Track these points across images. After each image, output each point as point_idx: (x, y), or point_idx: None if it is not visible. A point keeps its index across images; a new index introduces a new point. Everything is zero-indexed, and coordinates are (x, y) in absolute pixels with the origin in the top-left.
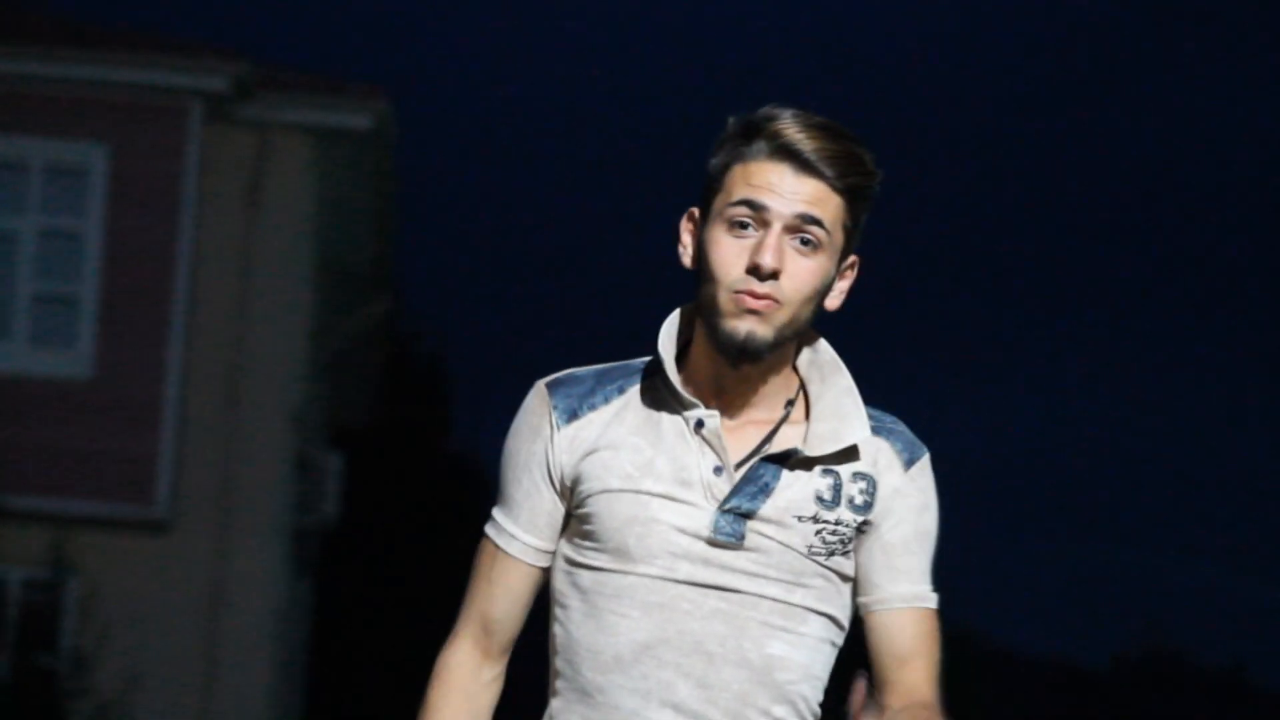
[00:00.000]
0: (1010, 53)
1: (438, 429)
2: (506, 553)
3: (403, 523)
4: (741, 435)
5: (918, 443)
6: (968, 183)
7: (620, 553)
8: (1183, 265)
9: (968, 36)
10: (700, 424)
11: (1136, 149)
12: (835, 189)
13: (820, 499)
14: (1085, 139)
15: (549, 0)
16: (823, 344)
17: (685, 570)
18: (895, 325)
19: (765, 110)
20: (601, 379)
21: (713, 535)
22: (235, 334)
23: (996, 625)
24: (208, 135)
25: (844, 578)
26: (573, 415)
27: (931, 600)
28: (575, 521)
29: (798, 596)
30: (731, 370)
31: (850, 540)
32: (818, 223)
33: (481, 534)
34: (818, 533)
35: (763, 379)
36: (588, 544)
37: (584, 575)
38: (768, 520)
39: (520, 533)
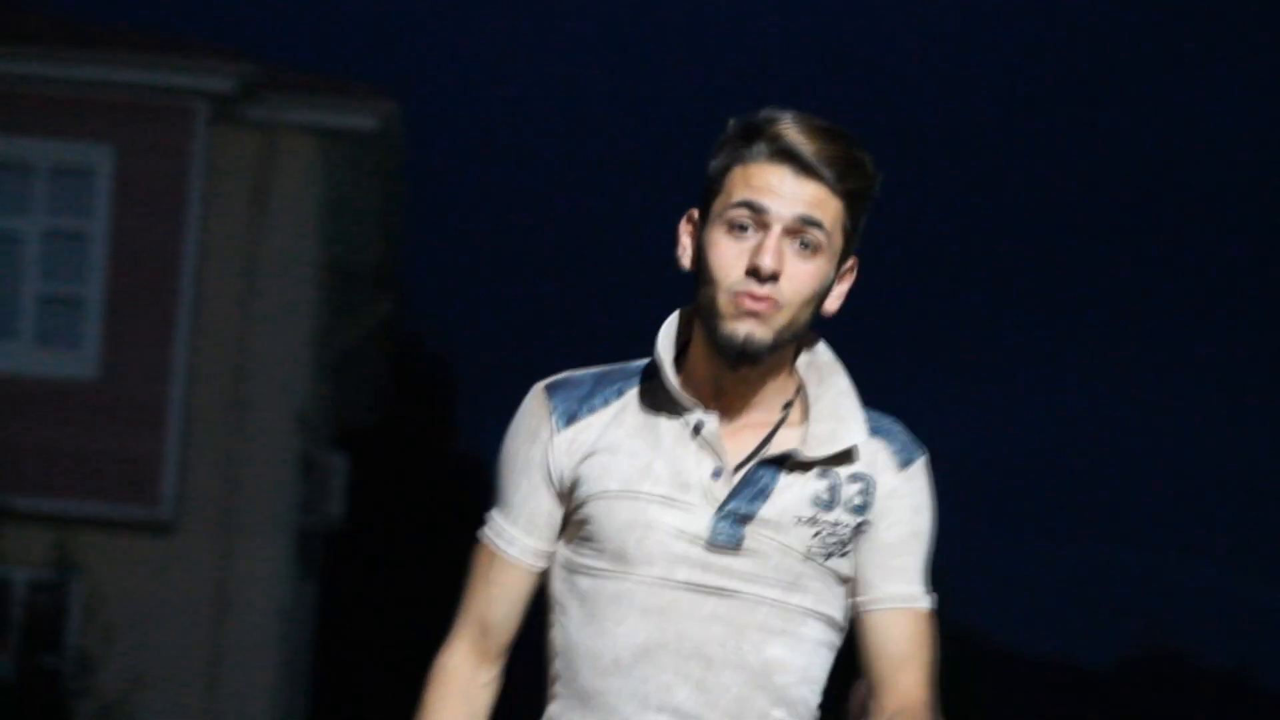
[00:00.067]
0: (1009, 53)
1: (442, 429)
2: (505, 555)
3: (407, 523)
4: (740, 437)
5: (915, 444)
6: (969, 183)
7: (619, 556)
8: (1183, 265)
9: (967, 37)
10: (699, 427)
11: (1137, 149)
12: (835, 192)
13: (818, 501)
14: (1085, 139)
15: (553, 2)
16: (821, 345)
17: (684, 574)
18: (897, 325)
19: (766, 112)
20: (600, 381)
21: (711, 539)
22: (240, 334)
23: (998, 626)
24: (213, 136)
25: (842, 580)
26: (571, 418)
27: (926, 602)
28: (573, 525)
29: (796, 599)
30: (730, 372)
31: (848, 542)
32: (817, 225)
33: (477, 536)
34: (816, 535)
35: (761, 381)
36: (586, 548)
37: (582, 579)
38: (766, 523)
39: (520, 535)
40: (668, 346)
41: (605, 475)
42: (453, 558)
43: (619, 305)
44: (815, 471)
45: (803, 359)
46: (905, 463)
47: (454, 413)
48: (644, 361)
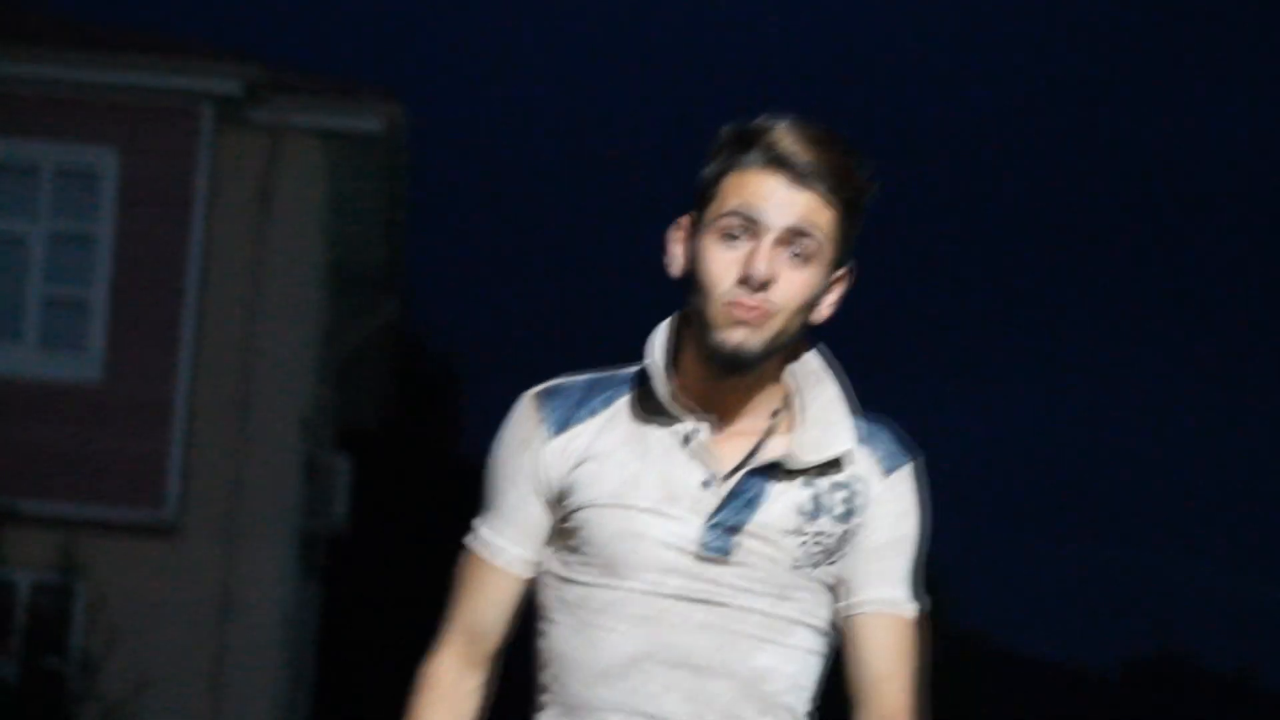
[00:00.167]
0: (1009, 54)
1: (446, 431)
2: (494, 563)
3: (410, 525)
4: (730, 446)
5: (903, 450)
6: (971, 184)
7: (608, 567)
8: (1184, 266)
9: (967, 39)
10: (689, 436)
11: (1136, 150)
12: (829, 200)
13: (807, 510)
14: (1084, 140)
15: (558, 5)
16: (813, 352)
17: (673, 584)
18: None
19: (760, 120)
20: (591, 389)
21: (700, 549)
22: (244, 337)
23: (1000, 627)
24: (218, 139)
25: (830, 588)
26: (562, 427)
27: (908, 608)
28: (563, 534)
29: (785, 608)
30: (721, 380)
31: (838, 549)
32: (811, 234)
33: (464, 543)
34: (804, 544)
35: (752, 389)
36: (575, 557)
37: (571, 589)
38: (755, 533)
39: (510, 544)
40: (660, 355)
41: (595, 484)
42: (455, 560)
43: (622, 308)
44: (805, 479)
45: (794, 366)
46: (893, 468)
47: (457, 415)
48: (634, 369)
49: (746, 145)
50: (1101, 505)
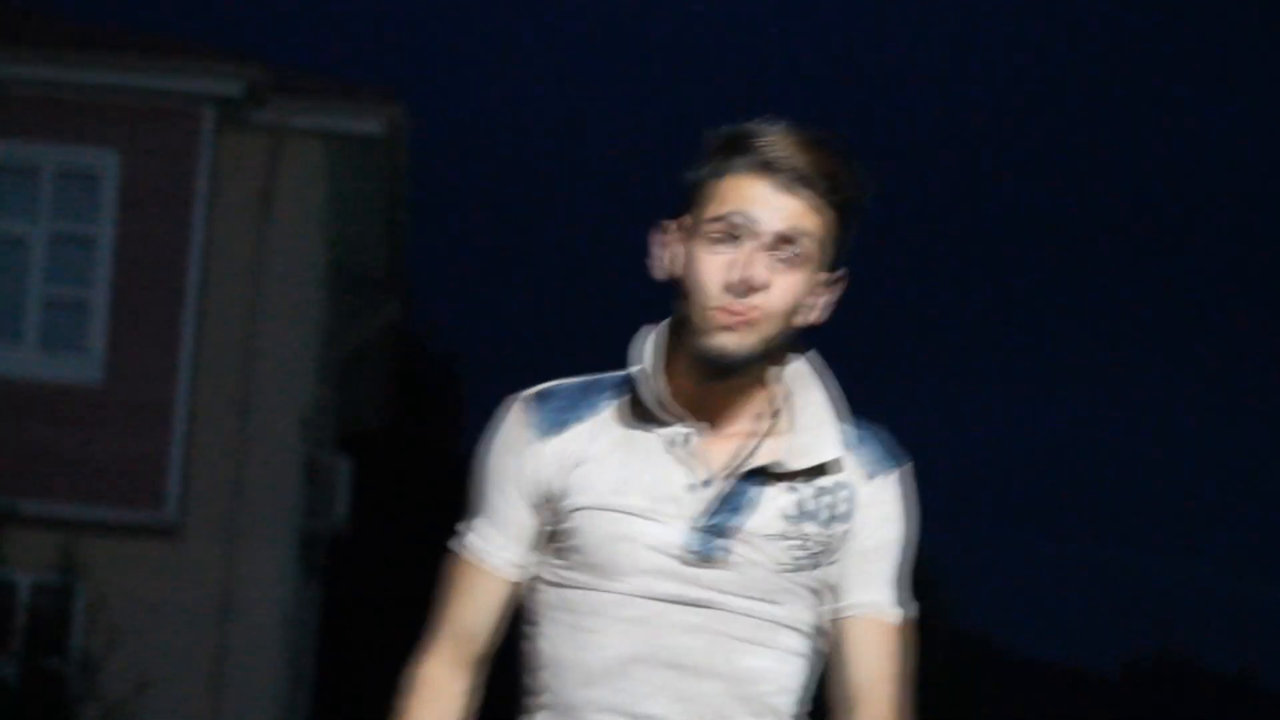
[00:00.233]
0: (1008, 56)
1: (448, 433)
2: (486, 566)
3: (411, 526)
4: (720, 450)
5: (891, 455)
6: (972, 186)
7: (599, 569)
8: (1183, 266)
9: (966, 42)
10: (680, 440)
11: (1136, 151)
12: (820, 205)
13: (797, 514)
14: (1084, 141)
15: (561, 7)
16: (805, 356)
17: (664, 587)
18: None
19: (750, 124)
20: (582, 393)
21: (691, 552)
22: (244, 338)
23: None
24: (220, 140)
25: (822, 591)
26: (553, 430)
27: (894, 612)
28: (555, 537)
29: (774, 612)
30: (710, 384)
31: (828, 553)
32: (801, 239)
33: (452, 547)
34: (795, 547)
35: (742, 393)
36: (566, 560)
37: (563, 592)
38: (746, 536)
39: (499, 547)
40: (650, 359)
41: (586, 488)
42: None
43: (623, 308)
44: (795, 483)
45: (784, 370)
46: (881, 472)
47: (458, 416)
48: (624, 373)
49: (737, 150)
50: (1101, 505)
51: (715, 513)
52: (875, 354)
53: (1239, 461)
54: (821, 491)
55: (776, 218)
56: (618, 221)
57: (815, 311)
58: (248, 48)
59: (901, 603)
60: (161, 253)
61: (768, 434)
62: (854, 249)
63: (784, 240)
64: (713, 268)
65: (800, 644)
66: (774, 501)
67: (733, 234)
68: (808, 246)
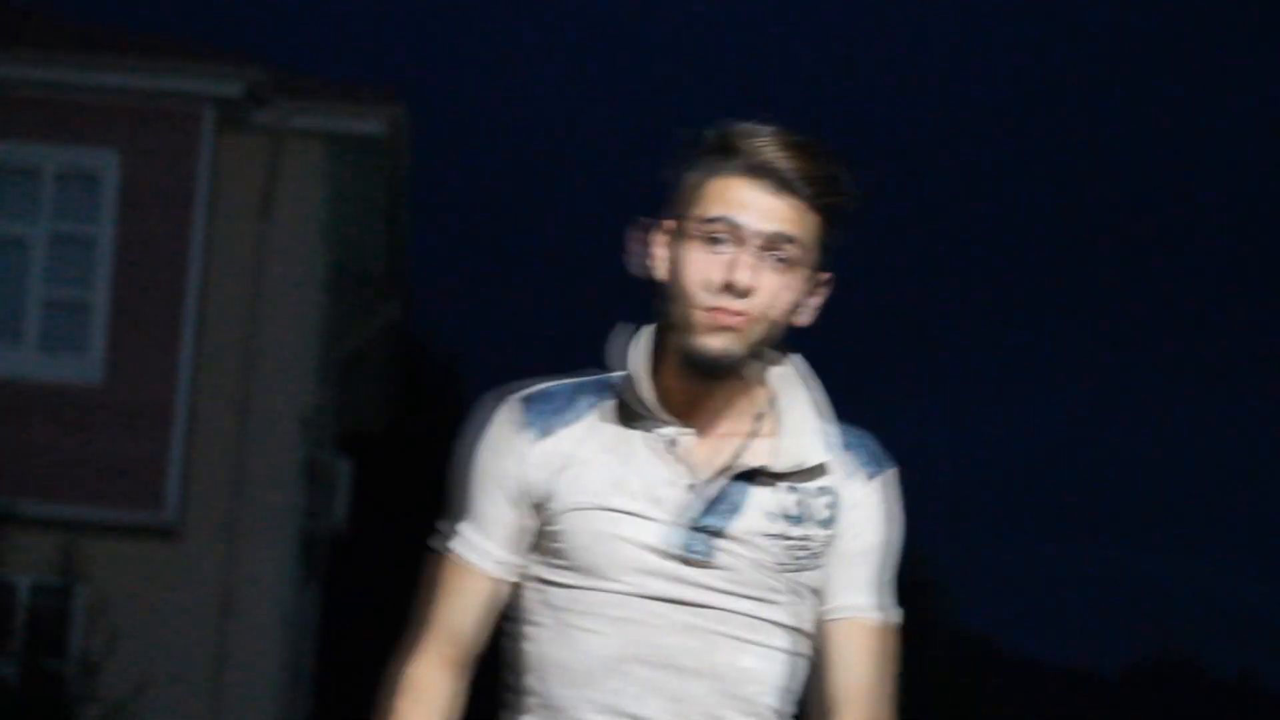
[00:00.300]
0: (1004, 60)
1: (449, 434)
2: (476, 566)
3: (411, 527)
4: (711, 451)
5: (880, 458)
6: (971, 186)
7: (590, 570)
8: (1183, 267)
9: (966, 42)
10: (671, 441)
11: (1135, 151)
12: (810, 208)
13: (787, 515)
14: (1084, 142)
15: (562, 7)
16: (794, 359)
17: (655, 586)
18: (902, 330)
19: (742, 126)
20: (574, 394)
21: (683, 553)
22: (245, 339)
23: (1002, 629)
24: (220, 141)
25: (811, 592)
26: (545, 431)
27: (878, 615)
28: (545, 538)
29: (767, 611)
30: (700, 385)
31: (817, 555)
32: (792, 241)
33: (439, 547)
34: (785, 548)
35: (732, 395)
36: (558, 561)
37: (554, 592)
38: (736, 537)
39: (492, 548)
40: (640, 361)
41: (578, 489)
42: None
43: (625, 309)
44: (785, 485)
45: (774, 372)
46: (869, 476)
47: (459, 417)
48: (615, 374)
49: (727, 152)
50: (1101, 506)
51: (705, 513)
52: (876, 355)
53: (1238, 461)
54: (808, 494)
55: (765, 221)
56: (619, 222)
57: (803, 314)
58: (248, 48)
59: (886, 607)
60: (161, 253)
61: (760, 434)
62: (853, 250)
63: (772, 243)
64: (701, 269)
65: (790, 644)
66: (769, 501)
67: (725, 236)
68: (795, 250)
